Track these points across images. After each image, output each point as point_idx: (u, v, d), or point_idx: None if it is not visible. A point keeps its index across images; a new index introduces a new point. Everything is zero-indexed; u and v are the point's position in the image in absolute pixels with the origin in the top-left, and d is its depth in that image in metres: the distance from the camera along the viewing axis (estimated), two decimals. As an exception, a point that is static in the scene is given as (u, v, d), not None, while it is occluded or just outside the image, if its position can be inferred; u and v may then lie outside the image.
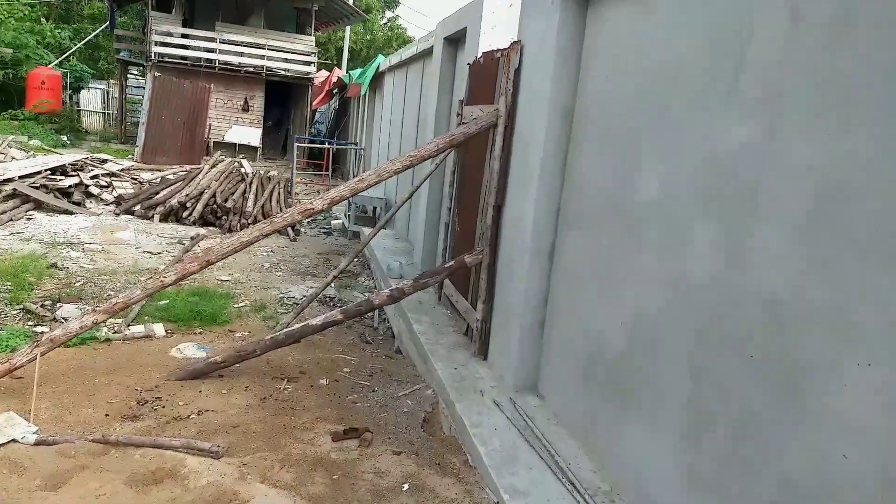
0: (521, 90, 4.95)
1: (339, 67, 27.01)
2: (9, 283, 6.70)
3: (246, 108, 22.89)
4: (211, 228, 10.90)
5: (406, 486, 3.63)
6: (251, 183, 12.85)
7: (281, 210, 12.10)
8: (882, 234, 2.13)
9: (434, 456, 4.01)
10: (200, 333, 6.00)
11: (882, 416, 2.09)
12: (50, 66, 24.23)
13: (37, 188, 10.94)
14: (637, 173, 3.56)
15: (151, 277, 4.87)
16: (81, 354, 5.19)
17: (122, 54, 24.98)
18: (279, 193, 13.05)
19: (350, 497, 3.50)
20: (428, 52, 9.27)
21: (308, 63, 23.18)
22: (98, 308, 4.61)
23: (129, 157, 17.76)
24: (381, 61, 14.84)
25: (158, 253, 8.91)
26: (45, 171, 11.62)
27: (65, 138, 20.53)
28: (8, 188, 10.56)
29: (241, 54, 22.33)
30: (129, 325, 5.90)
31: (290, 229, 10.76)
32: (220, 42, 22.04)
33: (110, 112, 26.28)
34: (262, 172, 14.58)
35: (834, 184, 2.32)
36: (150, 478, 3.50)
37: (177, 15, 22.59)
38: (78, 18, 31.56)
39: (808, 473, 2.32)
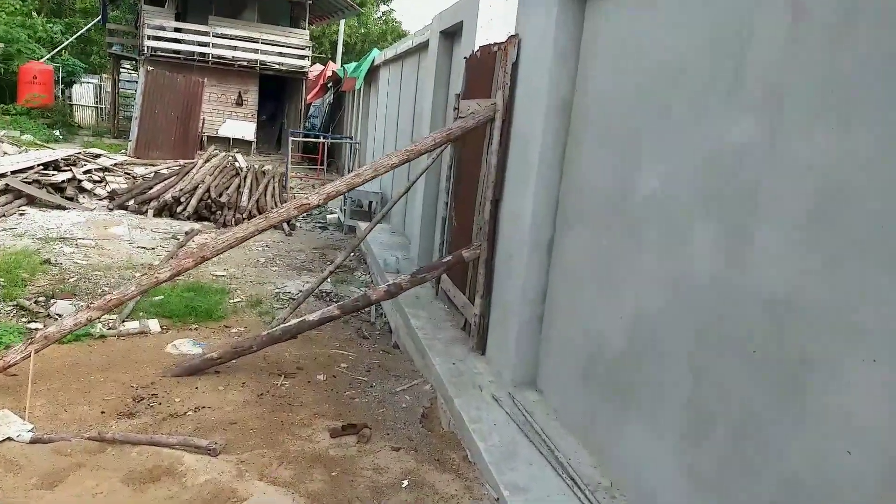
0: (519, 84, 4.92)
1: (334, 61, 26.85)
2: (2, 280, 6.65)
3: (240, 103, 22.77)
4: (205, 223, 10.85)
5: (405, 483, 3.61)
6: (245, 177, 12.79)
7: (276, 205, 12.05)
8: (883, 234, 2.11)
9: (433, 452, 3.99)
10: (196, 329, 5.96)
11: (884, 415, 2.07)
12: (42, 60, 24.02)
13: (29, 183, 10.86)
14: (637, 171, 3.53)
15: (146, 273, 4.82)
16: (76, 351, 5.15)
17: (114, 48, 24.81)
18: (274, 188, 12.99)
19: (349, 494, 3.48)
20: (424, 46, 9.21)
21: (302, 57, 23.07)
22: (92, 305, 4.57)
23: (123, 151, 17.67)
24: (377, 55, 14.76)
25: (153, 248, 8.86)
26: (38, 166, 11.54)
27: (57, 133, 20.38)
28: (0, 183, 10.48)
29: (235, 48, 22.20)
30: (123, 322, 5.87)
31: (285, 224, 10.71)
32: (213, 36, 21.90)
33: (103, 107, 26.10)
34: (256, 167, 14.53)
35: (835, 183, 2.30)
36: (147, 476, 3.46)
37: (169, 8, 22.43)
38: (70, 12, 31.30)
39: (810, 473, 2.31)
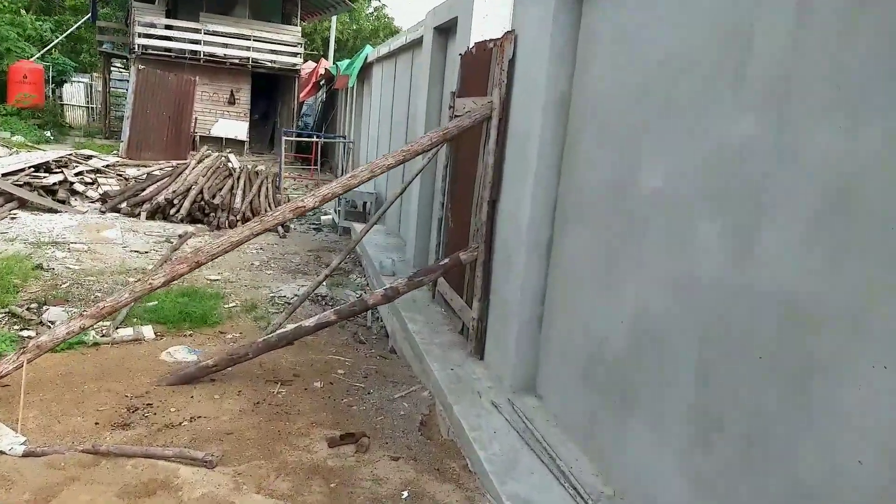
0: (516, 82, 4.86)
1: (326, 58, 26.73)
2: (-7, 286, 6.56)
3: (232, 101, 22.61)
4: (199, 226, 10.76)
5: (405, 494, 3.55)
6: (239, 178, 12.70)
7: (270, 206, 11.97)
8: (894, 233, 2.05)
9: (433, 461, 3.93)
10: (191, 335, 5.89)
11: (895, 420, 2.02)
12: (31, 59, 23.81)
13: (20, 186, 10.74)
14: (638, 167, 3.47)
15: (140, 280, 4.75)
16: (69, 360, 5.07)
17: (105, 46, 24.57)
18: (268, 188, 12.90)
19: (348, 506, 3.43)
20: (417, 43, 9.13)
21: (295, 54, 22.91)
22: (85, 312, 4.49)
23: (114, 152, 17.52)
24: (369, 52, 14.66)
25: (146, 252, 8.77)
26: (29, 168, 11.40)
27: (48, 134, 20.21)
28: (-10, 187, 10.37)
29: (227, 46, 22.02)
30: (117, 328, 5.79)
31: (279, 226, 10.62)
32: (204, 33, 21.72)
33: (94, 106, 25.90)
34: (249, 167, 14.42)
35: (846, 179, 2.24)
36: (142, 490, 3.40)
37: (160, 5, 22.24)
38: (59, 10, 31.02)
39: (821, 478, 2.26)
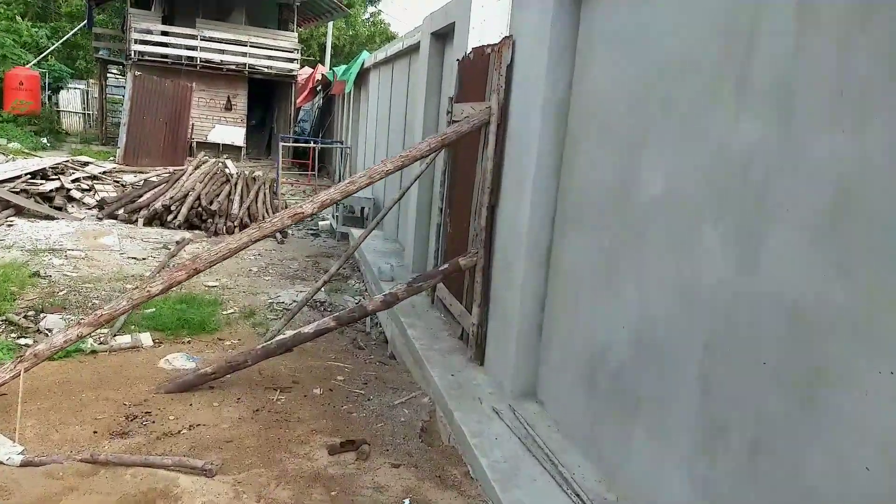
0: (514, 87, 4.85)
1: (323, 64, 26.75)
2: (-10, 294, 6.52)
3: (229, 107, 22.61)
4: (196, 232, 10.74)
5: (407, 502, 3.52)
6: (236, 184, 12.67)
7: (267, 212, 11.94)
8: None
9: (434, 468, 3.91)
10: (189, 342, 5.86)
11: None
12: (28, 66, 23.79)
13: (17, 193, 10.71)
14: (640, 171, 3.45)
15: (137, 287, 4.72)
16: (67, 368, 5.04)
17: (101, 53, 24.58)
18: (265, 194, 12.87)
19: (350, 514, 3.40)
20: (414, 48, 9.13)
21: (291, 60, 22.93)
22: (83, 320, 4.46)
23: (111, 158, 17.50)
24: (366, 57, 14.66)
25: (143, 258, 8.74)
26: (26, 175, 11.39)
27: (45, 140, 20.18)
28: (-13, 194, 10.34)
29: (223, 52, 22.03)
30: (115, 336, 5.76)
31: (277, 232, 10.59)
32: (200, 39, 21.73)
33: (90, 113, 25.88)
34: (246, 173, 14.40)
35: (851, 183, 2.22)
36: (141, 499, 3.37)
37: (156, 12, 22.23)
38: (55, 17, 30.99)
39: (828, 485, 2.24)
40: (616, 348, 3.58)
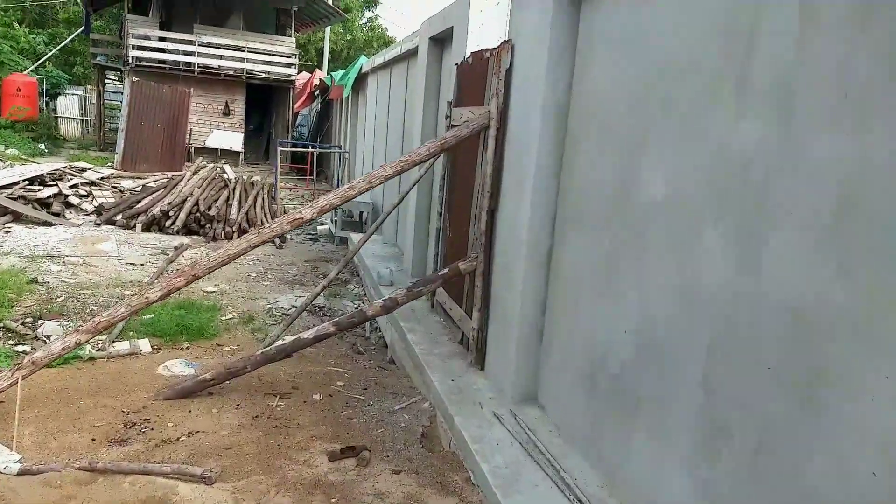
0: (513, 91, 4.84)
1: (320, 69, 26.77)
2: (-13, 301, 6.49)
3: (227, 112, 22.57)
4: (195, 237, 10.71)
5: (408, 508, 3.50)
6: (234, 189, 12.65)
7: (266, 217, 11.92)
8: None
9: (435, 474, 3.88)
10: (188, 349, 5.84)
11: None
12: (25, 72, 23.79)
13: (15, 199, 10.68)
14: (640, 174, 3.44)
15: (136, 293, 4.70)
16: (65, 375, 5.01)
17: (98, 59, 24.54)
18: (263, 199, 12.86)
19: (350, 521, 3.37)
20: (413, 53, 9.12)
21: (289, 65, 22.90)
22: (81, 327, 4.44)
23: (109, 164, 17.48)
24: (364, 62, 14.65)
25: (142, 264, 8.72)
26: (23, 181, 11.36)
27: (42, 146, 20.14)
28: (-16, 200, 10.31)
29: (221, 57, 22.00)
30: (113, 342, 5.73)
31: (276, 237, 10.57)
32: (198, 45, 21.71)
33: (88, 118, 25.85)
34: (245, 178, 14.38)
35: (853, 184, 2.21)
36: (140, 507, 3.35)
37: (154, 17, 22.20)
38: (53, 23, 31.01)
39: (831, 488, 2.22)
40: (617, 350, 3.56)
